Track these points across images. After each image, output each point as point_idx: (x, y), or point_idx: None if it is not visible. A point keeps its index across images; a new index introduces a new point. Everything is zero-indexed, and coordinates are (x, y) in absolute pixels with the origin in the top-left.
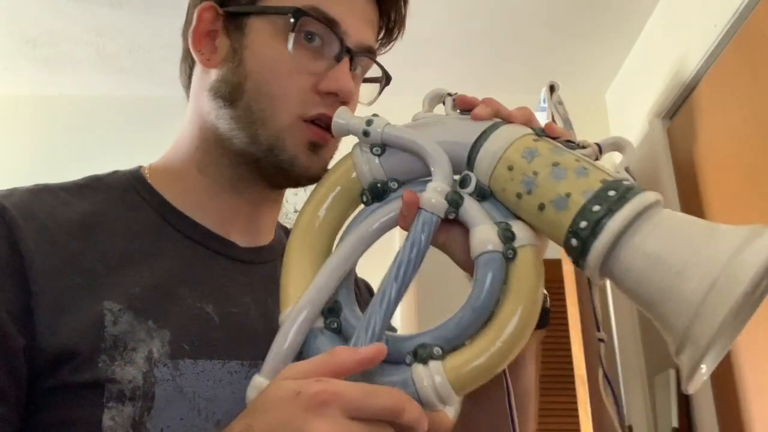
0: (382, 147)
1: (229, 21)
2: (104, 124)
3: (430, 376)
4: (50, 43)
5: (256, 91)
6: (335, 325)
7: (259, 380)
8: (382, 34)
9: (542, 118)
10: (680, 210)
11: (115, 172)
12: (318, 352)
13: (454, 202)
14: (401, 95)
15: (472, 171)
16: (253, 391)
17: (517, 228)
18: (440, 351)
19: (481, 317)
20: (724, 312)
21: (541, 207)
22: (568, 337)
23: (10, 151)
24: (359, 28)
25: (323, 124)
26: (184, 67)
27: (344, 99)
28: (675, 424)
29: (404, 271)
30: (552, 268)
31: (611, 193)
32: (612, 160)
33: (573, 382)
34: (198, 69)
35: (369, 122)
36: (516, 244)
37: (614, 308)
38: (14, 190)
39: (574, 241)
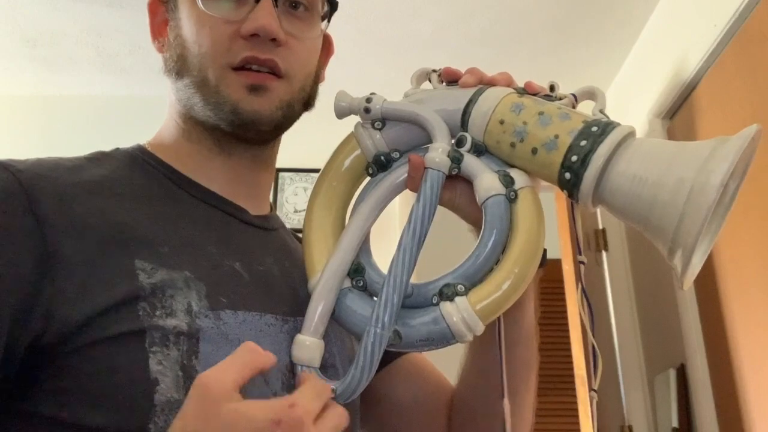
0: (382, 121)
1: (168, 6)
2: (104, 124)
3: (458, 311)
4: (50, 43)
5: (190, 55)
6: (361, 283)
7: (302, 338)
8: None
9: None
10: None
11: (118, 149)
12: (349, 309)
13: (456, 158)
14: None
15: (466, 131)
16: (298, 349)
17: (514, 173)
18: (464, 288)
19: (496, 253)
20: (704, 211)
21: (534, 151)
22: (568, 337)
23: (10, 151)
24: None
25: (257, 67)
26: (164, 65)
27: (267, 36)
28: (675, 424)
29: (420, 226)
30: (552, 268)
31: (594, 128)
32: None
33: (573, 382)
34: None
35: (369, 100)
36: (516, 186)
37: (614, 308)
38: (24, 159)
39: (567, 175)
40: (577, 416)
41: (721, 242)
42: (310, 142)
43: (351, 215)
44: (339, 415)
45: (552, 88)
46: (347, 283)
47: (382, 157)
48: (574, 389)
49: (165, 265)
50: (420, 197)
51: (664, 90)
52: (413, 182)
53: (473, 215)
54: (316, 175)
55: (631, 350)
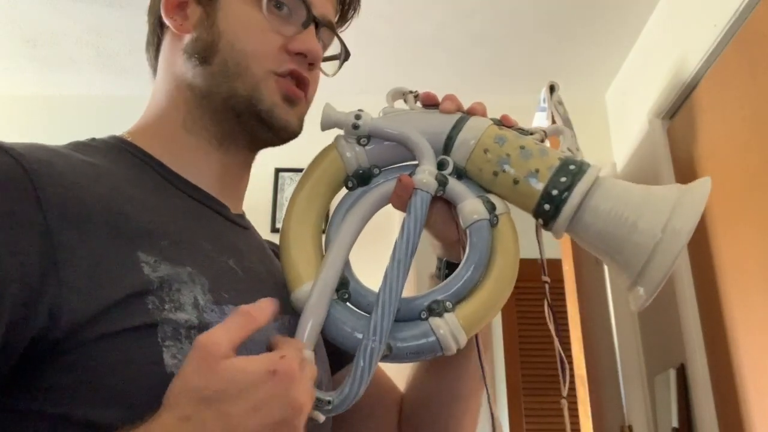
0: (368, 138)
1: None
2: (104, 124)
3: (447, 325)
4: (50, 43)
5: (231, 48)
6: (346, 296)
7: (305, 353)
8: (338, 15)
9: (542, 118)
10: None
11: (94, 139)
12: (338, 322)
13: (442, 182)
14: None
15: (448, 156)
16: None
17: (494, 199)
18: (451, 305)
19: (479, 273)
20: (674, 254)
21: (516, 181)
22: (568, 337)
23: None
24: (323, 1)
25: (294, 81)
26: (150, 49)
27: (312, 60)
28: (675, 424)
29: (411, 242)
30: (552, 268)
31: (572, 167)
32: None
33: (573, 382)
34: (169, 38)
35: (358, 116)
36: (497, 212)
37: (614, 308)
38: (20, 143)
39: (546, 206)
40: (577, 416)
41: (721, 242)
42: (310, 142)
43: (335, 228)
44: (312, 364)
45: (552, 88)
46: (334, 296)
47: (362, 171)
48: (574, 389)
49: (167, 259)
50: (411, 214)
51: (664, 90)
52: (400, 201)
53: (445, 234)
54: None
55: (631, 350)
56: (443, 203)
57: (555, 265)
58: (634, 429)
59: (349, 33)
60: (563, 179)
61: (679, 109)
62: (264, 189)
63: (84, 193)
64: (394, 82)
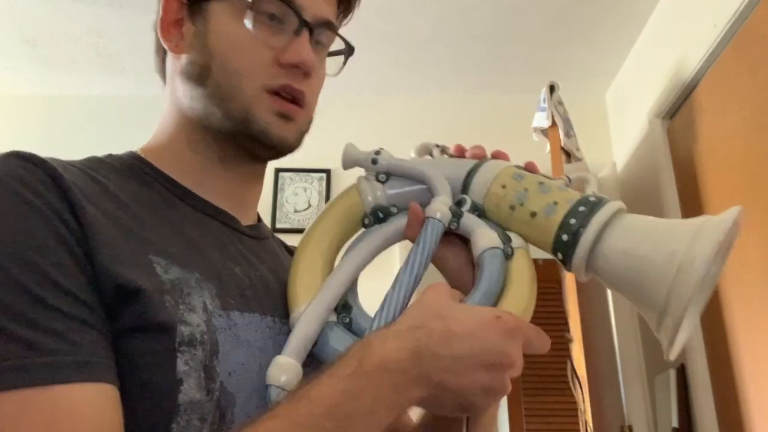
0: (386, 175)
1: (192, 8)
2: (104, 124)
3: None
4: (50, 43)
5: (222, 69)
6: (347, 320)
7: (284, 359)
8: (341, 8)
9: (542, 118)
10: (680, 210)
11: (111, 155)
12: (331, 344)
13: (456, 214)
14: (402, 93)
15: (467, 195)
16: (276, 369)
17: (511, 234)
18: None
19: (489, 303)
20: (692, 285)
21: (533, 214)
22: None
23: None
24: (315, 2)
25: (289, 96)
26: (157, 58)
27: (305, 70)
28: (675, 424)
29: (417, 267)
30: (552, 269)
31: (592, 199)
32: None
33: (573, 382)
34: (170, 56)
35: (377, 153)
36: (513, 245)
37: (614, 309)
38: (38, 155)
39: (565, 236)
40: (577, 416)
41: None
42: (310, 142)
43: (342, 258)
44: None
45: (552, 88)
46: (333, 317)
47: (380, 212)
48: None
49: (177, 264)
50: (420, 242)
51: (664, 90)
52: (412, 230)
53: (459, 274)
54: (316, 175)
55: (631, 350)
56: (462, 246)
57: (555, 264)
58: (634, 429)
59: (349, 30)
60: (582, 209)
61: (679, 109)
62: (264, 189)
63: (95, 205)
64: (394, 80)
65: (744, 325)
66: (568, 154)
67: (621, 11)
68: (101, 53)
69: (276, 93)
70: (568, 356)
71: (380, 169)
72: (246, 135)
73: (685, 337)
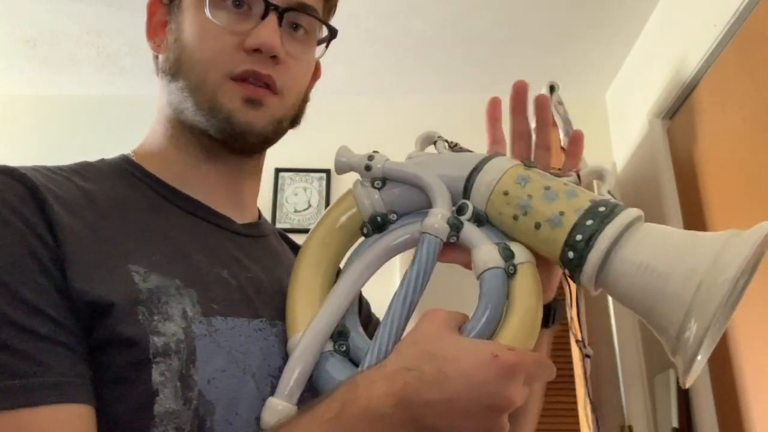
0: (382, 181)
1: (170, 8)
2: (104, 124)
3: None
4: (50, 43)
5: (189, 60)
6: (344, 348)
7: (275, 402)
8: None
9: None
10: (680, 210)
11: (103, 160)
12: (328, 374)
13: (455, 226)
14: (402, 94)
15: (468, 200)
16: (270, 414)
17: (515, 247)
18: None
19: (489, 329)
20: (714, 306)
21: (537, 226)
22: (568, 337)
23: (10, 151)
24: None
25: (255, 81)
26: (154, 61)
27: (269, 53)
28: (675, 424)
29: (411, 293)
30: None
31: (601, 209)
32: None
33: (573, 382)
34: (157, 58)
35: (371, 158)
36: (516, 260)
37: (614, 309)
38: (20, 166)
39: (570, 254)
40: (577, 416)
41: None
42: (310, 142)
43: (341, 275)
44: (537, 371)
45: (552, 88)
46: (329, 346)
47: (379, 218)
48: (574, 389)
49: (157, 271)
50: (415, 263)
51: (664, 90)
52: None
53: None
54: (316, 175)
55: (631, 350)
56: (463, 251)
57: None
58: (634, 429)
59: (350, 33)
60: (589, 222)
61: (679, 109)
62: (264, 189)
63: (76, 216)
64: (394, 82)
65: (744, 325)
66: None
67: (621, 11)
68: (101, 53)
69: (243, 79)
70: (585, 377)
71: (375, 176)
72: (214, 125)
73: (704, 362)
